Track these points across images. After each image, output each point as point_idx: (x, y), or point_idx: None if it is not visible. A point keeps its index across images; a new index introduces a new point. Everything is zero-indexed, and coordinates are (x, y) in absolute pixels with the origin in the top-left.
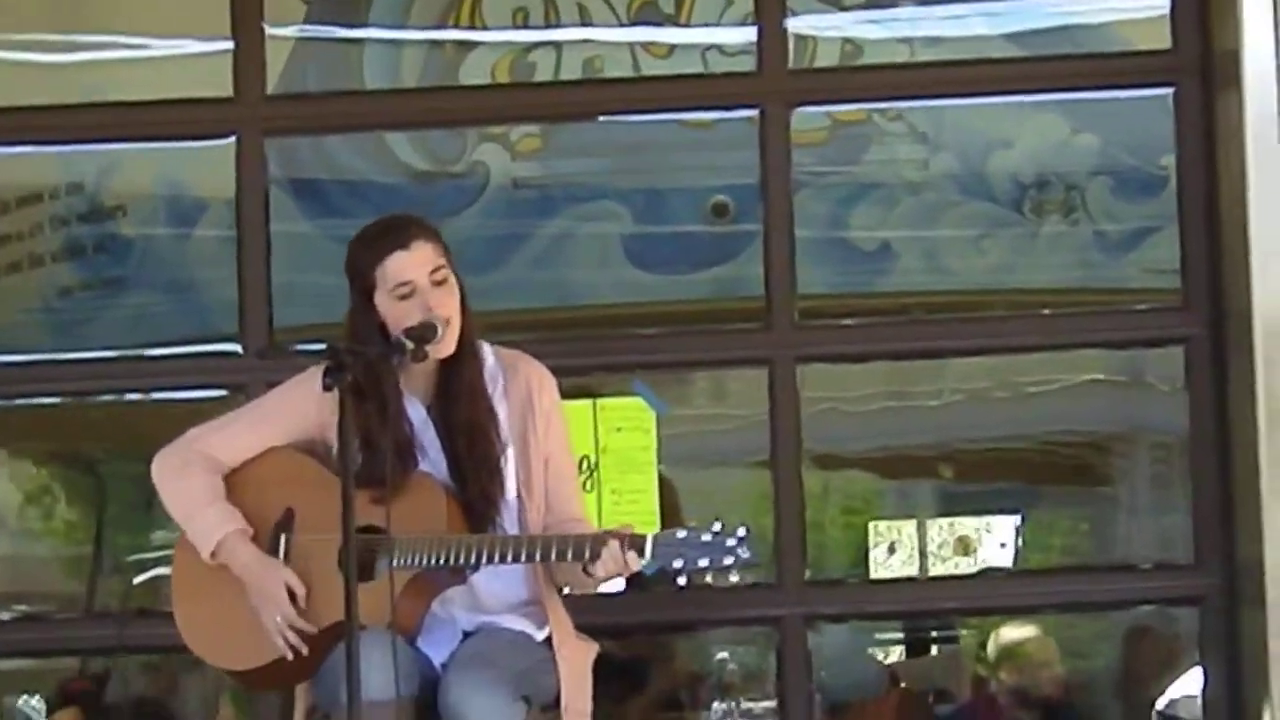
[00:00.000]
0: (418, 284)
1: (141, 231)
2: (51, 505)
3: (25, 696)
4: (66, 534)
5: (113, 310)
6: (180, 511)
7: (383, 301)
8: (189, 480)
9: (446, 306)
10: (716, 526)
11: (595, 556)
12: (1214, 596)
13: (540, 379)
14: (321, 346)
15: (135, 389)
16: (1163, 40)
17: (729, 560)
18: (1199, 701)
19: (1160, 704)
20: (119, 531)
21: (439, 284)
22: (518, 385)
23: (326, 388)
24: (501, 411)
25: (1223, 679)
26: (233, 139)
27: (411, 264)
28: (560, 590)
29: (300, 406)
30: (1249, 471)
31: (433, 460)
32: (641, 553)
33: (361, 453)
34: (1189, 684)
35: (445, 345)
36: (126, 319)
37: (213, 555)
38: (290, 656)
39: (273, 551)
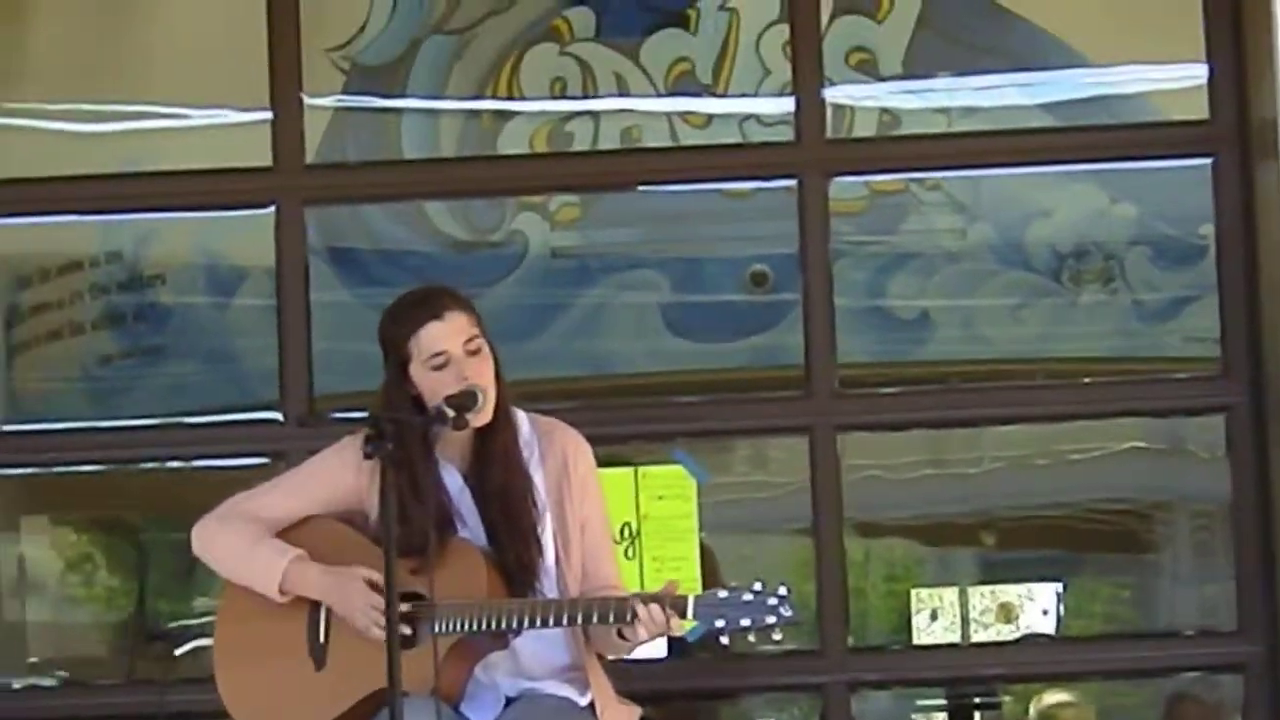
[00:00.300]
0: (452, 354)
1: (181, 300)
2: (92, 572)
3: None
4: (107, 600)
5: (152, 378)
6: (232, 563)
7: (417, 372)
8: (231, 533)
9: (482, 376)
10: (757, 586)
11: (636, 618)
12: (1257, 663)
13: (575, 446)
14: (362, 414)
15: (175, 457)
16: (1200, 110)
17: (771, 619)
18: None
19: None
20: (160, 598)
21: (473, 353)
22: (553, 452)
23: (367, 456)
24: (538, 478)
25: None
26: (272, 209)
27: (446, 334)
28: (602, 656)
29: (338, 475)
30: None
31: (471, 528)
32: (683, 614)
33: (398, 523)
34: None
35: (482, 414)
36: (166, 387)
37: (281, 591)
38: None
39: (314, 620)
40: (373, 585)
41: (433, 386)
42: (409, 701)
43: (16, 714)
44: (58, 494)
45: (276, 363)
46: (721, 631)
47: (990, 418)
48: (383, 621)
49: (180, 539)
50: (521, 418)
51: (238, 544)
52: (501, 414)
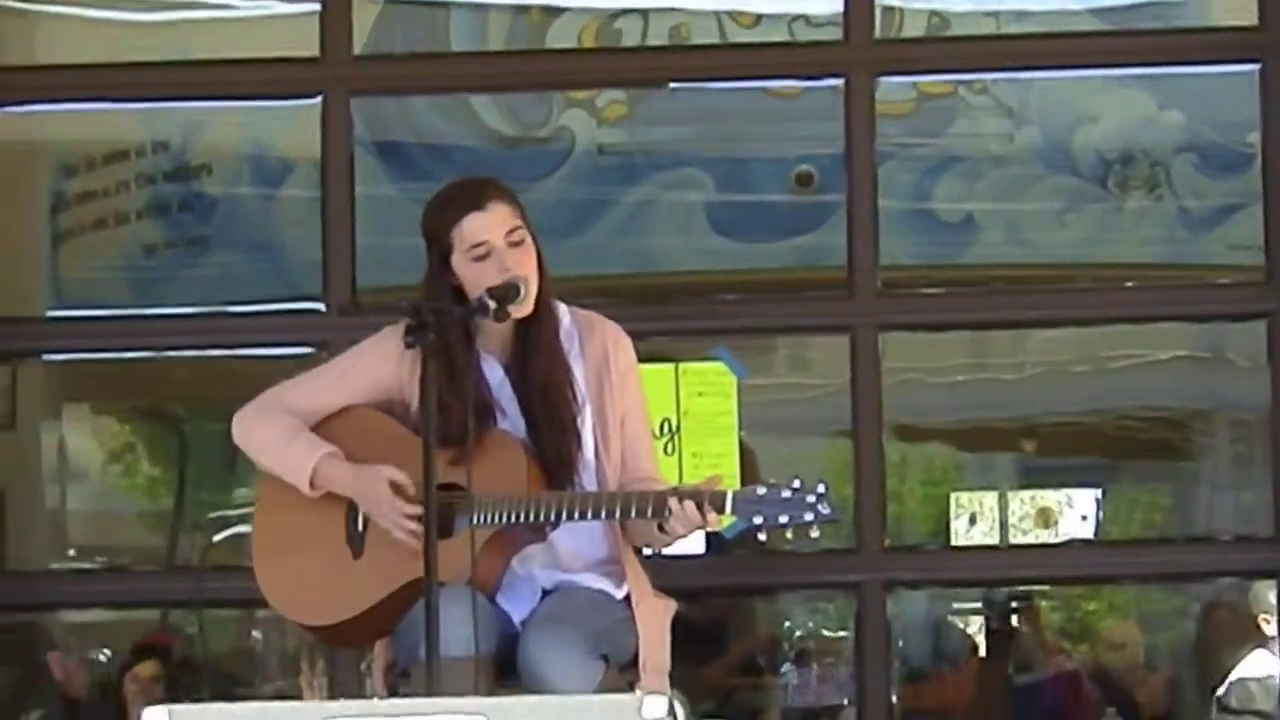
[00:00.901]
0: (494, 244)
1: (227, 190)
2: (133, 461)
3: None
4: (148, 489)
5: (197, 268)
6: (269, 456)
7: (459, 263)
8: (269, 427)
9: (523, 267)
10: (796, 483)
11: (673, 513)
12: None
13: (616, 338)
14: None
15: (218, 345)
16: (1249, 16)
17: (809, 516)
18: (1254, 687)
19: (1220, 691)
20: (200, 488)
21: (515, 245)
22: (594, 345)
23: (408, 346)
24: (578, 371)
25: None
26: (319, 99)
27: (488, 224)
28: (639, 550)
29: (379, 365)
30: None
31: (511, 420)
32: (721, 509)
33: (439, 413)
34: (1247, 669)
35: (524, 306)
36: (210, 277)
37: (311, 485)
38: (417, 545)
39: (352, 509)
40: (397, 487)
41: (474, 277)
42: (445, 591)
43: (57, 598)
44: (100, 382)
45: (320, 255)
46: (759, 528)
47: (1032, 320)
48: (406, 524)
49: (221, 429)
50: (563, 310)
51: (274, 437)
52: (543, 306)
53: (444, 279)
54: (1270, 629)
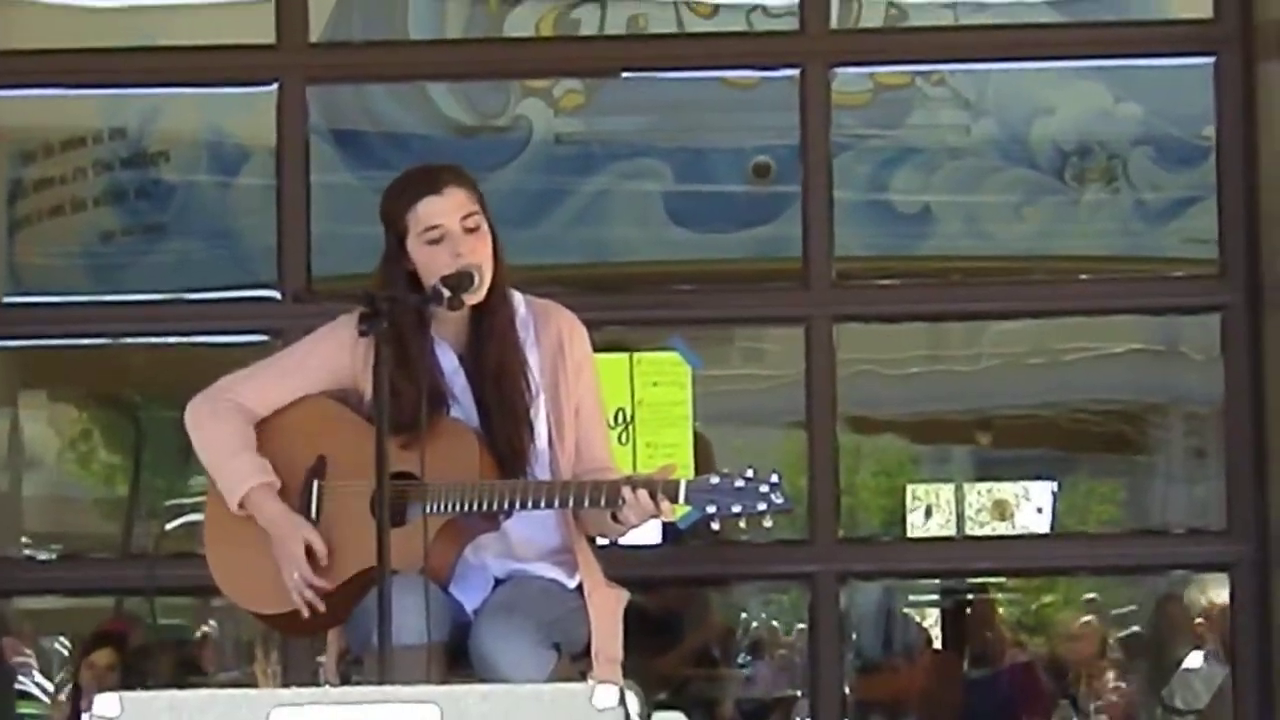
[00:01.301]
0: (448, 229)
1: (184, 178)
2: (90, 448)
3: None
4: (104, 476)
5: (153, 255)
6: (210, 460)
7: (413, 246)
8: (219, 429)
9: (477, 253)
10: (749, 472)
11: (627, 502)
12: (1246, 562)
13: (571, 327)
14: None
15: (174, 333)
16: (1205, 9)
17: (763, 505)
18: (1198, 685)
19: (1164, 690)
20: (156, 475)
21: (470, 230)
22: (549, 334)
23: (362, 333)
24: (533, 359)
25: (1254, 642)
26: (275, 86)
27: (443, 209)
28: (592, 539)
29: (333, 354)
30: None
31: (464, 408)
32: (675, 498)
33: (391, 400)
34: (1190, 667)
35: (478, 294)
36: (167, 265)
37: (240, 506)
38: (306, 614)
39: (305, 498)
40: (310, 553)
41: (427, 261)
42: (397, 580)
43: (11, 585)
44: (56, 369)
45: (275, 242)
46: (713, 517)
47: (988, 312)
48: (305, 591)
49: (177, 417)
50: (518, 299)
51: (220, 443)
52: (499, 294)
53: (399, 263)
54: (1209, 630)
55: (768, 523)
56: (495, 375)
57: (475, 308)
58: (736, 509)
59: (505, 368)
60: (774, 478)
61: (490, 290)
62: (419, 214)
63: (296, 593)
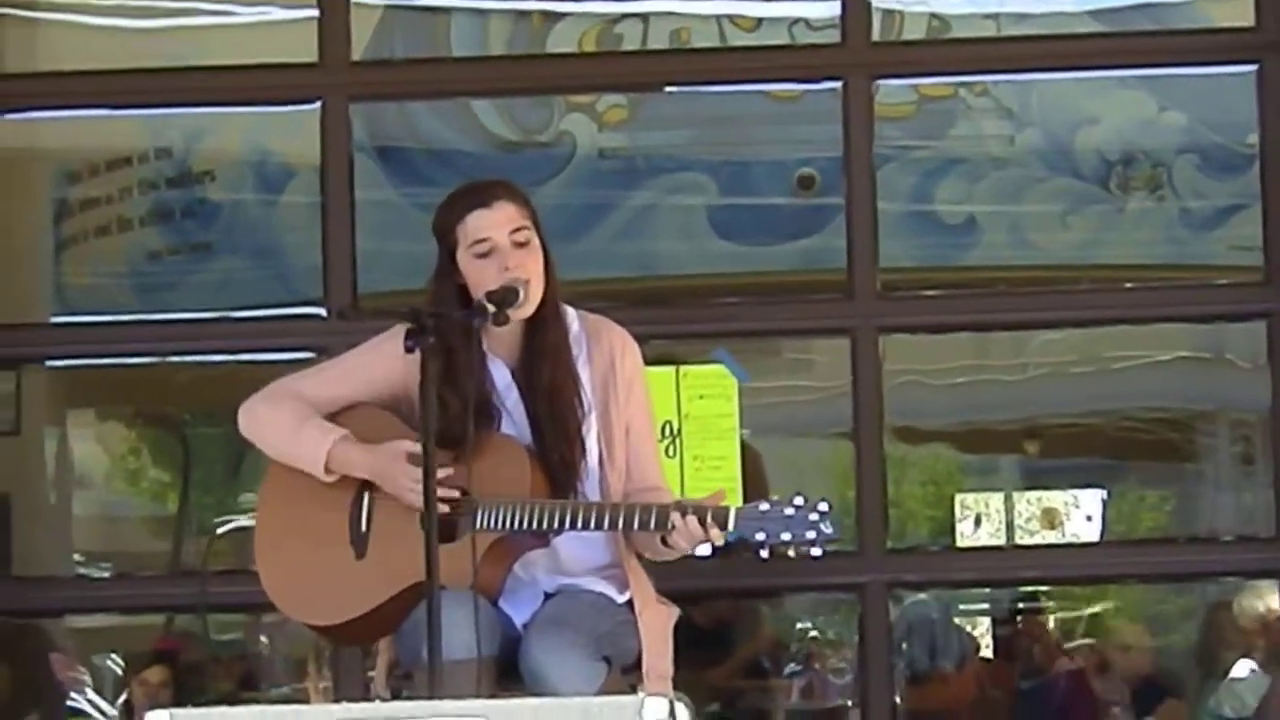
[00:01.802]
0: (497, 242)
1: (229, 196)
2: (139, 467)
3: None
4: (152, 494)
5: (199, 274)
6: (278, 442)
7: (463, 260)
8: (278, 413)
9: (525, 268)
10: (799, 500)
11: (677, 528)
12: None
13: (624, 344)
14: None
15: (220, 350)
16: (1246, 17)
17: (811, 534)
18: (1244, 695)
19: (1212, 702)
20: (205, 492)
21: (520, 245)
22: (601, 351)
23: (408, 350)
24: (584, 376)
25: None
26: (318, 105)
27: (492, 222)
28: (642, 556)
29: (385, 364)
30: None
31: (516, 424)
32: (724, 526)
33: (440, 414)
34: (1237, 676)
35: (524, 309)
36: (213, 283)
37: (327, 469)
38: (447, 509)
39: (356, 508)
40: (413, 457)
41: (476, 275)
42: (447, 595)
43: (62, 604)
44: (104, 388)
45: (320, 259)
46: (761, 545)
47: (1033, 321)
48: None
49: (225, 433)
50: (571, 315)
51: (285, 423)
52: (552, 310)
53: (451, 278)
54: (1258, 638)
55: (816, 552)
56: (547, 392)
57: (529, 323)
58: (785, 537)
59: (558, 384)
60: (823, 506)
61: (543, 306)
62: (468, 227)
63: (415, 498)
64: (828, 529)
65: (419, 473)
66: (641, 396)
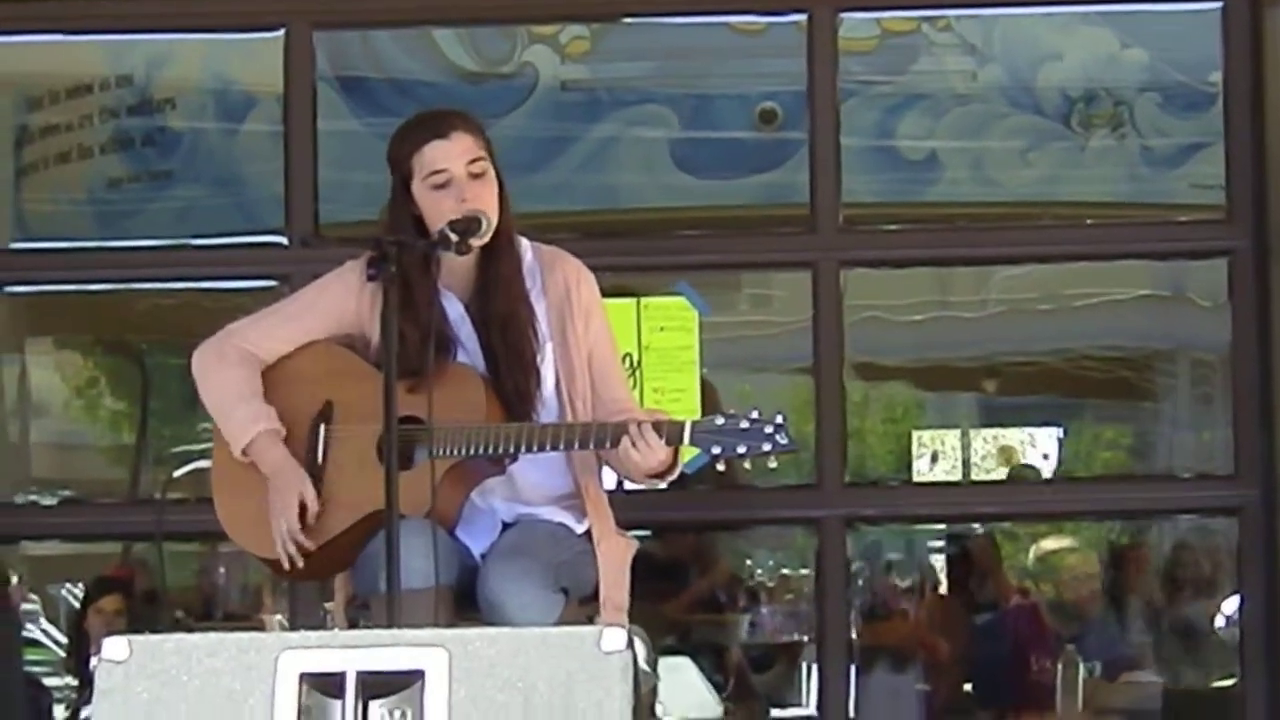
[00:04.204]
0: (453, 173)
1: (190, 124)
2: (97, 395)
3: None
4: (111, 423)
5: (160, 202)
6: (215, 406)
7: (418, 191)
8: (225, 375)
9: (482, 199)
10: (754, 413)
11: (633, 441)
12: (1253, 506)
13: (578, 274)
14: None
15: (181, 278)
16: None
17: (767, 446)
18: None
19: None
20: (163, 421)
21: (476, 176)
22: (555, 281)
23: (370, 278)
24: (539, 307)
25: (1260, 586)
26: (281, 32)
27: (448, 153)
28: (606, 485)
29: (339, 300)
30: None
31: (471, 355)
32: (680, 438)
33: (400, 346)
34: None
35: (485, 237)
36: (173, 211)
37: (244, 452)
38: (286, 567)
39: (311, 443)
40: (304, 508)
41: (433, 207)
42: (404, 524)
43: (18, 530)
44: (63, 316)
45: (282, 188)
46: (717, 457)
47: (994, 257)
48: (288, 545)
49: (184, 364)
50: (525, 246)
51: (225, 392)
52: (505, 242)
53: (405, 208)
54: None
55: (772, 463)
56: (501, 323)
57: (482, 255)
58: (741, 449)
59: (512, 315)
60: (779, 418)
61: (496, 237)
62: (425, 158)
63: (280, 544)
64: (783, 440)
65: (295, 522)
66: (601, 324)
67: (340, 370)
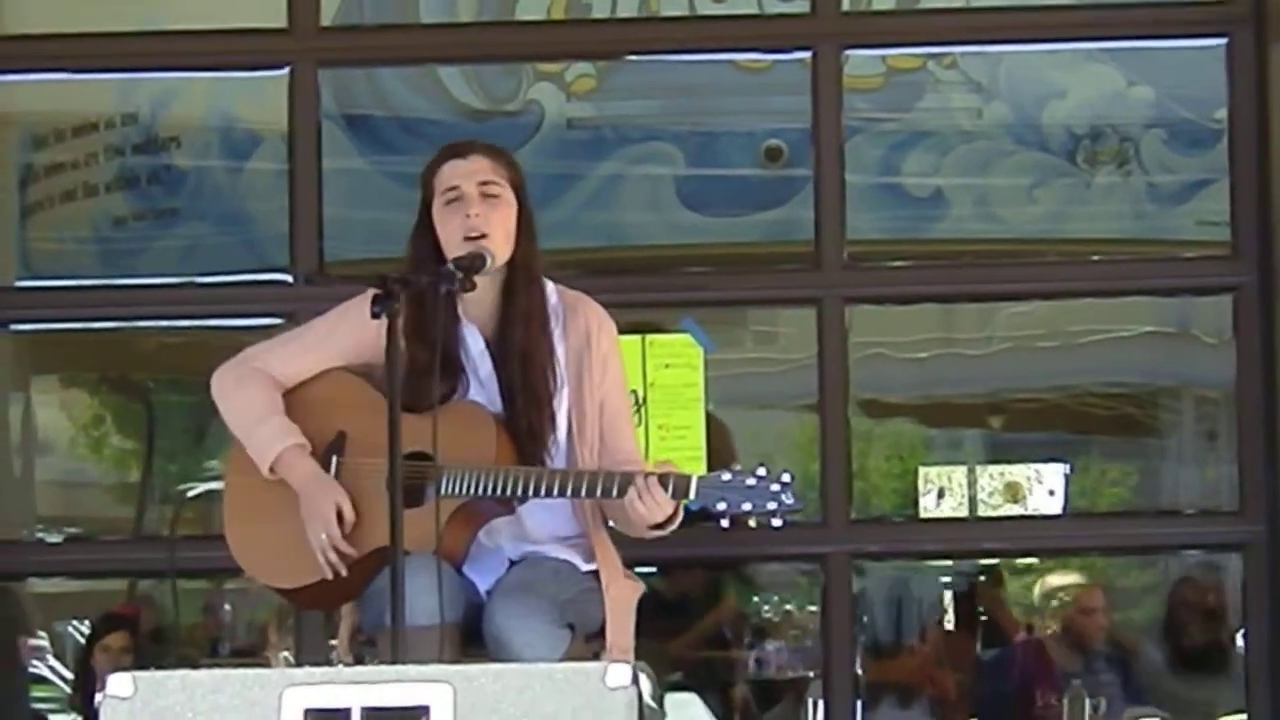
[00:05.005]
0: (465, 191)
1: (195, 163)
2: (103, 433)
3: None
4: (117, 460)
5: (165, 240)
6: (240, 425)
7: (436, 211)
8: (248, 394)
9: (489, 221)
10: (761, 470)
11: (640, 494)
12: (1258, 542)
13: (600, 321)
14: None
15: (186, 316)
16: None
17: (773, 505)
18: None
19: None
20: (169, 459)
21: (487, 198)
22: (577, 326)
23: (374, 315)
24: (559, 350)
25: (1265, 622)
26: (286, 70)
27: (463, 171)
28: (611, 530)
29: (358, 328)
30: None
31: (487, 390)
32: (686, 493)
33: (411, 378)
34: None
35: (488, 273)
36: (179, 249)
37: (271, 470)
38: (330, 576)
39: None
40: (341, 516)
41: (443, 223)
42: (411, 560)
43: (24, 567)
44: (69, 354)
45: (287, 226)
46: (723, 514)
47: (999, 293)
48: (330, 554)
49: (190, 401)
50: (550, 289)
51: (248, 411)
52: (530, 279)
53: (427, 237)
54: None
55: (777, 522)
56: (521, 360)
57: (504, 290)
58: (747, 507)
59: (532, 353)
60: (785, 477)
61: (518, 272)
62: (442, 176)
63: (321, 554)
64: (789, 500)
65: (336, 531)
66: (617, 373)
67: (354, 401)
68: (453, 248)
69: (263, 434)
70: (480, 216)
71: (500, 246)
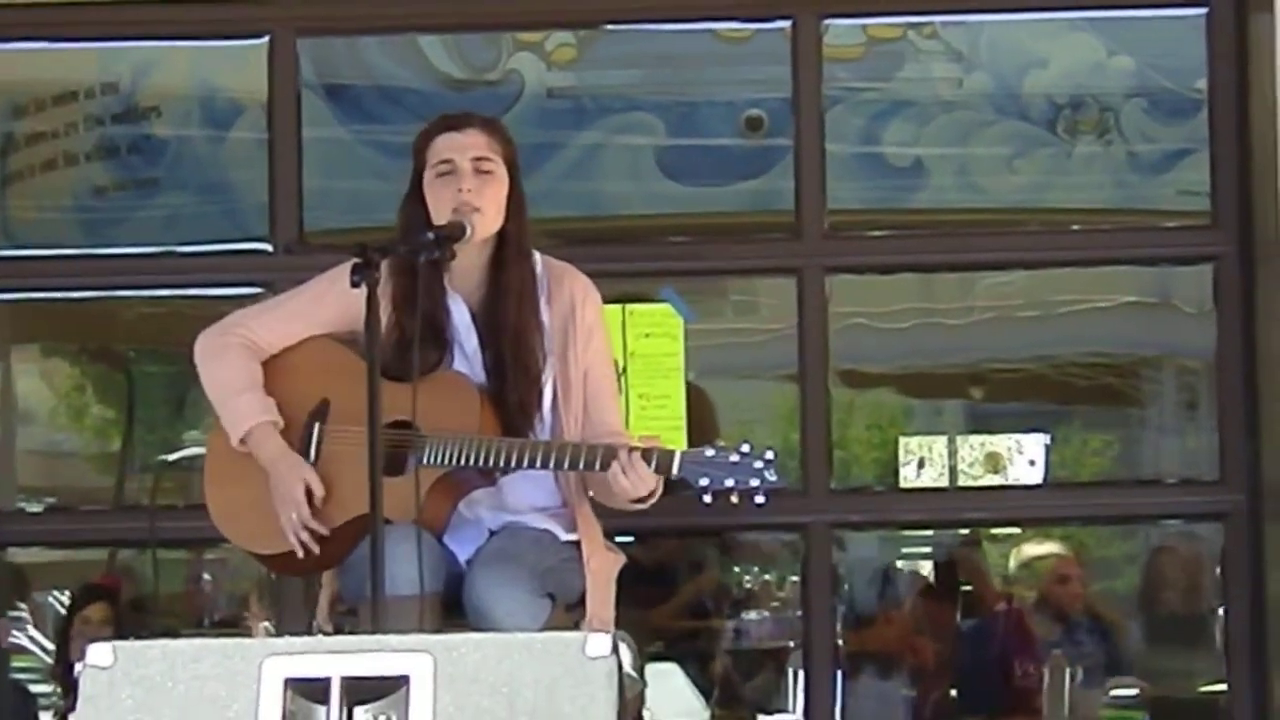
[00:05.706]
0: (458, 165)
1: (175, 132)
2: (83, 403)
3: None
4: (98, 430)
5: (145, 210)
6: (216, 394)
7: (427, 181)
8: (227, 363)
9: (481, 196)
10: (745, 447)
11: (623, 467)
12: (1237, 512)
13: (585, 291)
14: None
15: (166, 285)
16: None
17: (755, 482)
18: None
19: None
20: (149, 428)
21: (480, 173)
22: (562, 296)
23: (354, 284)
24: (544, 320)
25: (1245, 591)
26: (266, 39)
27: (457, 145)
28: (592, 501)
29: (345, 297)
30: (1275, 390)
31: (470, 362)
32: (669, 469)
33: (395, 347)
34: None
35: (480, 230)
36: (159, 219)
37: (241, 442)
38: (301, 555)
39: (305, 440)
40: (310, 494)
41: (434, 195)
42: (392, 530)
43: (4, 537)
44: (49, 323)
45: (267, 196)
46: (705, 490)
47: (980, 263)
48: (300, 532)
49: (170, 371)
50: (536, 259)
51: (226, 380)
52: (517, 252)
53: (418, 205)
54: None
55: (760, 499)
56: (513, 335)
57: (492, 263)
58: (729, 483)
59: (519, 326)
60: (768, 454)
61: (507, 247)
62: (436, 147)
63: (292, 534)
64: (771, 476)
65: (305, 510)
66: (601, 344)
67: (338, 368)
68: (442, 219)
69: (237, 406)
70: (472, 192)
71: (489, 222)
